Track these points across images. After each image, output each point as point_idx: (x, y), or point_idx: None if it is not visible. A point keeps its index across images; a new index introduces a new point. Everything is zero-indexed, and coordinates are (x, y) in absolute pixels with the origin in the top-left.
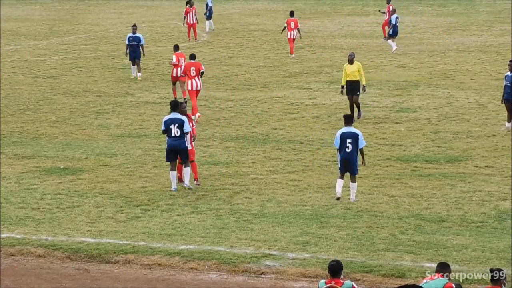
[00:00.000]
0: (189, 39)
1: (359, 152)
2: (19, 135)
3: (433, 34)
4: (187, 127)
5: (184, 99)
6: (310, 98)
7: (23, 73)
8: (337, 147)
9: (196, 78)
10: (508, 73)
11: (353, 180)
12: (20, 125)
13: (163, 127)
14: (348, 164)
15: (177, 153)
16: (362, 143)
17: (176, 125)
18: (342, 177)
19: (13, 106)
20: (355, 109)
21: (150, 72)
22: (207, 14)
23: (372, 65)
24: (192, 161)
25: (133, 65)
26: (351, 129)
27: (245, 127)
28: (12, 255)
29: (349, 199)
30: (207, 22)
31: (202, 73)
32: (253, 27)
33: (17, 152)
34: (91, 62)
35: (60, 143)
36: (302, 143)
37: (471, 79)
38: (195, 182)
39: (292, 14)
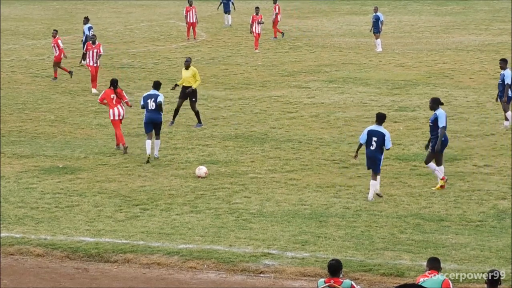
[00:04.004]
0: (188, 38)
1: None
2: (17, 134)
3: (431, 33)
4: (159, 99)
5: (55, 78)
6: (308, 97)
7: (22, 73)
8: (361, 142)
9: (92, 59)
10: (502, 71)
11: (374, 178)
12: (19, 124)
13: (142, 102)
14: (371, 162)
15: (153, 125)
16: (388, 144)
17: (153, 99)
18: (374, 177)
19: (11, 105)
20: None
21: (149, 71)
22: (228, 9)
23: (371, 64)
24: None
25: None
26: (380, 128)
27: (244, 126)
28: (11, 254)
29: (360, 197)
30: (229, 16)
31: (100, 55)
32: None
33: (16, 151)
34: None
35: (59, 142)
36: (301, 142)
37: (470, 78)
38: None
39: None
